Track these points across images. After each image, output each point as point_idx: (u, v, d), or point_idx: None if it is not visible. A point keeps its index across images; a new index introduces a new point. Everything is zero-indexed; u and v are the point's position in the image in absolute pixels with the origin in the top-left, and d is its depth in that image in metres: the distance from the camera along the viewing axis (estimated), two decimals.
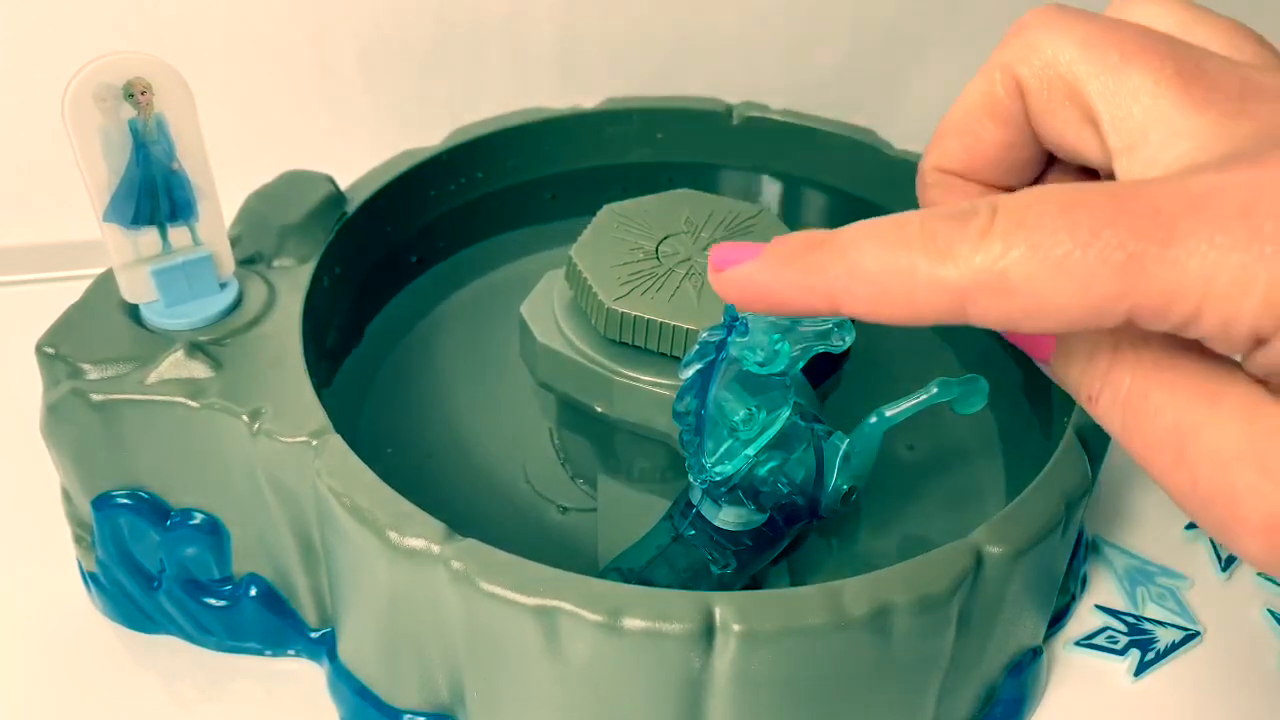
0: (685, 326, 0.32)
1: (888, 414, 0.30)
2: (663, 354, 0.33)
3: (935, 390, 0.30)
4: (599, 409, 0.34)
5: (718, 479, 0.30)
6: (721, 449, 0.29)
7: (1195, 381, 0.19)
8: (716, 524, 0.32)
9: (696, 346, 0.28)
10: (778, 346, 0.27)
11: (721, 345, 0.28)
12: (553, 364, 0.35)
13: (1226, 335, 0.18)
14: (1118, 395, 0.21)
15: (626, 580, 0.31)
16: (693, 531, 0.32)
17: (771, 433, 0.29)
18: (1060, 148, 0.24)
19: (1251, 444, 0.19)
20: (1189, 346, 0.20)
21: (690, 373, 0.28)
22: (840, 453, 0.30)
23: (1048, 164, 0.26)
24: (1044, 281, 0.19)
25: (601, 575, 0.32)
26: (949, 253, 0.20)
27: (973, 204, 0.20)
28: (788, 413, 0.29)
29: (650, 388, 0.33)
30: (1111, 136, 0.22)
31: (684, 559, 0.32)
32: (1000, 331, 0.21)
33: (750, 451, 0.29)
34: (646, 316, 0.33)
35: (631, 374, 0.33)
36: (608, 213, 0.37)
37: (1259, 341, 0.18)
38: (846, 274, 0.21)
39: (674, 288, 0.33)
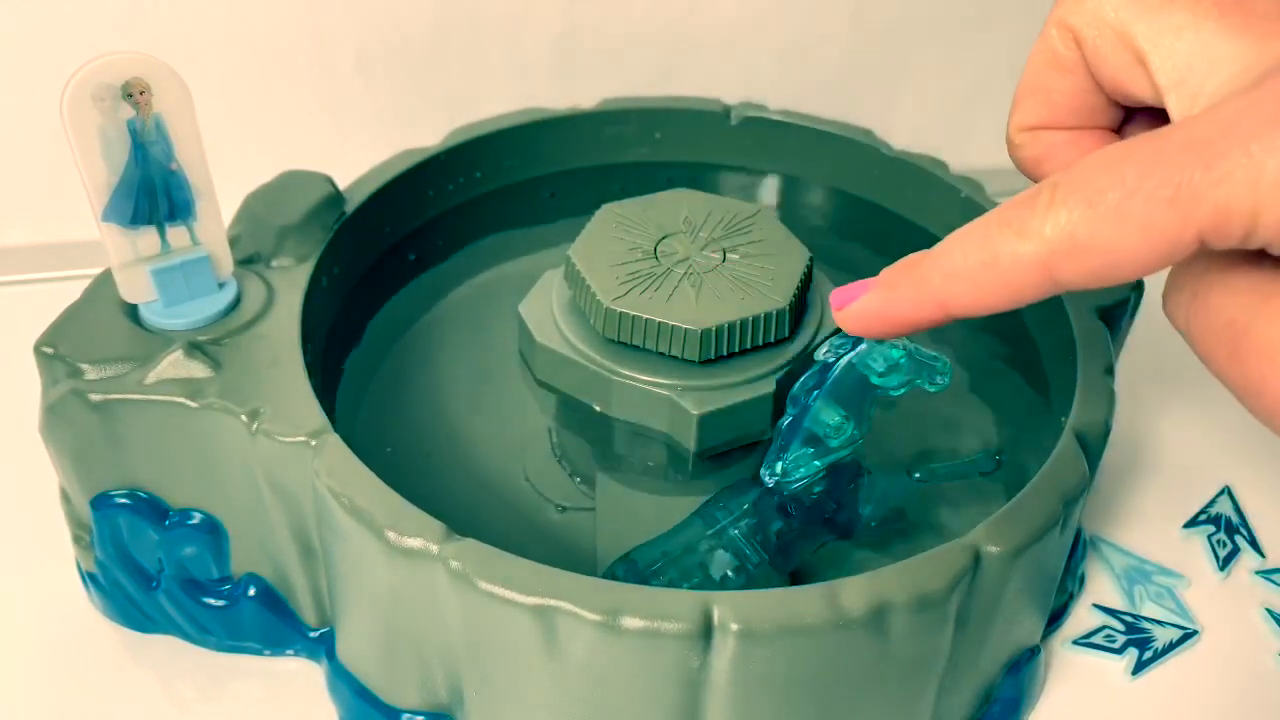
0: (684, 326, 0.32)
1: (936, 470, 0.33)
2: (661, 353, 0.33)
3: (979, 459, 0.33)
4: (597, 408, 0.34)
5: (784, 479, 0.31)
6: (796, 454, 0.31)
7: (1250, 284, 0.21)
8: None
9: (827, 345, 0.30)
10: (901, 360, 0.29)
11: (846, 351, 0.30)
12: (551, 363, 0.35)
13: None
14: (1182, 295, 0.22)
15: (630, 573, 0.31)
16: (735, 531, 0.32)
17: (845, 451, 0.31)
18: (1117, 91, 0.26)
19: None
20: (1249, 256, 0.21)
21: (817, 365, 0.30)
22: (879, 491, 0.32)
23: (1129, 113, 0.27)
24: (1110, 233, 0.20)
25: (611, 568, 0.32)
26: (1024, 231, 0.22)
27: (1037, 186, 0.22)
28: (861, 439, 0.31)
29: (648, 387, 0.33)
30: (1159, 74, 0.23)
31: (698, 560, 0.32)
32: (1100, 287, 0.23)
33: (820, 463, 0.31)
34: (645, 316, 0.33)
35: (629, 373, 0.33)
36: (606, 212, 0.37)
37: None
38: (944, 278, 0.23)
39: (672, 287, 0.34)
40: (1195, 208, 0.20)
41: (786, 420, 0.31)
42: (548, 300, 0.36)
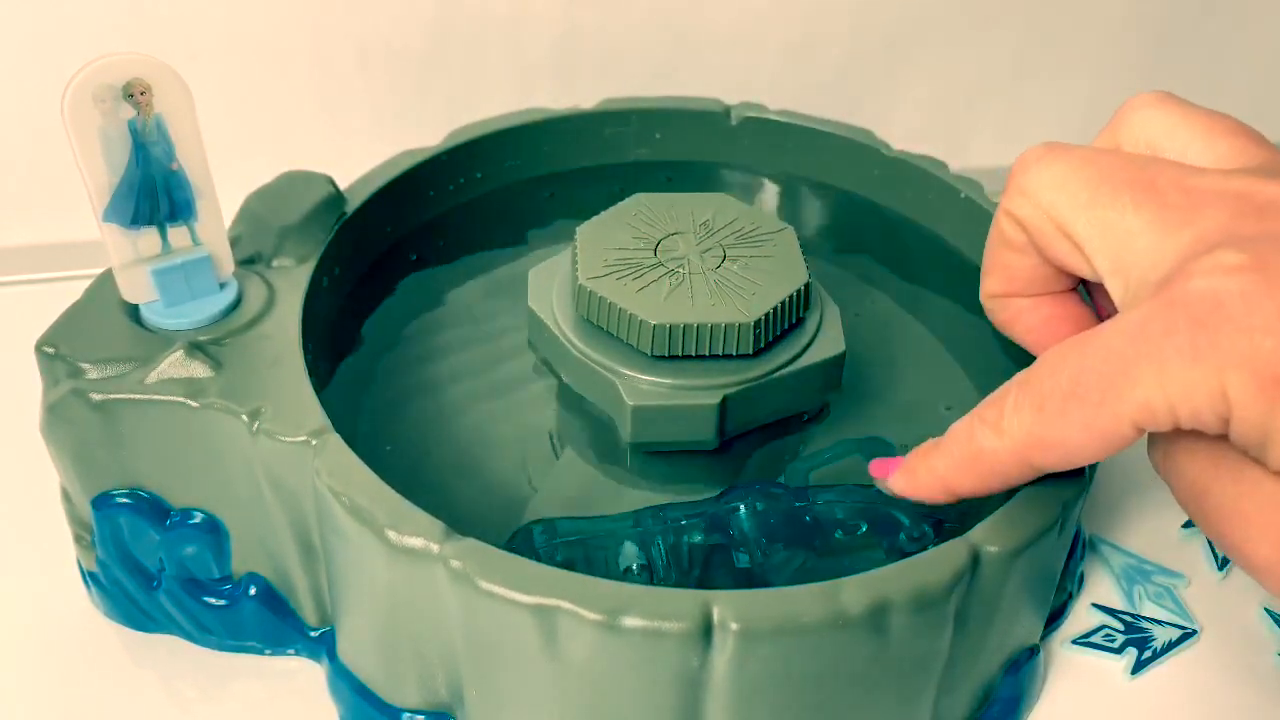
0: (640, 317, 0.32)
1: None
2: (625, 342, 0.33)
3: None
4: (565, 379, 0.35)
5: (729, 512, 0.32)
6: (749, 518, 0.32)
7: (1203, 451, 0.24)
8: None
9: (872, 515, 0.33)
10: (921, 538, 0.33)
11: (888, 524, 0.33)
12: (534, 328, 0.36)
13: (1200, 424, 0.22)
14: (1156, 452, 0.26)
15: (546, 534, 0.32)
16: (660, 540, 0.32)
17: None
18: (1065, 269, 0.28)
19: (1238, 504, 0.23)
20: None
21: (860, 503, 0.33)
22: (799, 566, 0.33)
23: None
24: (1059, 431, 0.24)
25: (528, 525, 0.32)
26: (997, 430, 0.25)
27: (1004, 386, 0.26)
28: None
29: (596, 368, 0.33)
30: (1095, 261, 0.26)
31: (610, 549, 0.32)
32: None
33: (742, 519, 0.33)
34: (609, 300, 0.33)
35: (584, 350, 0.34)
36: (634, 200, 0.37)
37: (1226, 422, 0.22)
38: (946, 468, 0.27)
39: (649, 281, 0.34)
40: (1121, 406, 0.23)
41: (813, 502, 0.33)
42: (556, 271, 0.37)
